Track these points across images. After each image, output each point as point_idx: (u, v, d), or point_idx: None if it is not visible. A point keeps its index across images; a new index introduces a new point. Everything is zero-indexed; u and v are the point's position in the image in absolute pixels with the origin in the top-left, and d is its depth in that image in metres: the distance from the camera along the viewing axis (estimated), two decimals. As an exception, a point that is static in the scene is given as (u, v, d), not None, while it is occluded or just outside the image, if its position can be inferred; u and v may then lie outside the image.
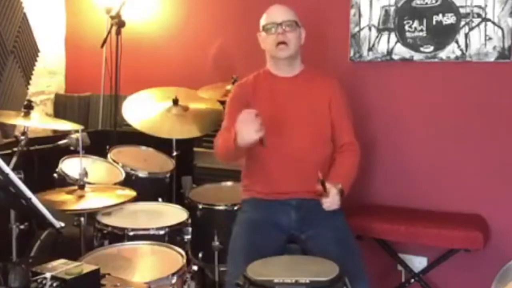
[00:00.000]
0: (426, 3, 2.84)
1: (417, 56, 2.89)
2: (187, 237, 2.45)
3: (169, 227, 2.39)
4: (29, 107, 2.65)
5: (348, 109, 2.50)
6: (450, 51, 2.82)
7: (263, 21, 2.46)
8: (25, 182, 1.76)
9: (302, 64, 2.53)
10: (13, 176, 1.72)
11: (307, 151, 2.39)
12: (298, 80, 2.48)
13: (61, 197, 2.30)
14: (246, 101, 2.42)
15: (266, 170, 2.41)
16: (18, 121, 2.70)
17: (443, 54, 2.84)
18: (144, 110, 3.07)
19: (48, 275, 1.53)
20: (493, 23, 2.72)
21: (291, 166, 2.37)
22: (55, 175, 2.70)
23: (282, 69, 2.48)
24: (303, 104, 2.44)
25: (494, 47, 2.72)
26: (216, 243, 2.66)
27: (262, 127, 2.09)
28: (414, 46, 2.89)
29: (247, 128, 2.09)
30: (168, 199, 2.98)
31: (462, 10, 2.77)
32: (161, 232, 2.36)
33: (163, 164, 3.09)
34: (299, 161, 2.37)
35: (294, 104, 2.44)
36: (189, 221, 2.49)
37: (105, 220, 2.43)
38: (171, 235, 2.37)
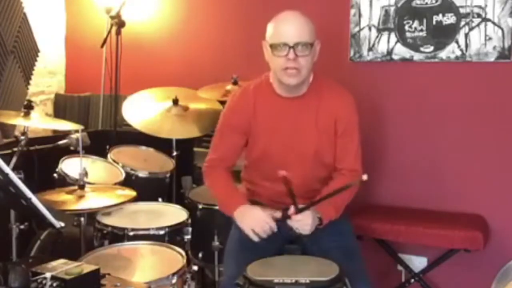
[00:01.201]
0: (426, 3, 2.84)
1: (417, 56, 2.89)
2: (187, 237, 2.44)
3: (169, 227, 2.39)
4: (29, 107, 2.65)
5: (356, 133, 2.22)
6: (450, 51, 2.82)
7: (271, 35, 2.09)
8: (25, 182, 1.76)
9: (311, 76, 2.22)
10: (13, 176, 1.72)
11: (309, 174, 2.23)
12: (304, 101, 2.19)
13: (61, 197, 2.30)
14: (242, 125, 2.24)
15: (266, 186, 2.31)
16: (18, 121, 2.70)
17: (443, 54, 2.84)
18: (144, 110, 3.07)
19: (48, 275, 1.53)
20: (493, 23, 2.72)
21: (291, 185, 2.20)
22: (55, 175, 2.70)
23: (287, 91, 2.18)
24: (309, 128, 2.19)
25: (494, 47, 2.72)
26: (216, 243, 2.66)
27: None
28: (414, 46, 2.89)
29: (256, 225, 2.07)
30: (168, 199, 2.98)
31: (462, 10, 2.77)
32: (161, 232, 2.35)
33: (163, 164, 3.09)
34: (299, 183, 2.13)
35: (299, 128, 2.19)
36: (189, 221, 2.49)
37: (105, 220, 2.43)
38: (171, 235, 2.37)
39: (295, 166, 2.16)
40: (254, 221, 2.09)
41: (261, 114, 2.22)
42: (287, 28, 2.07)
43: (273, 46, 2.08)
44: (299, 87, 2.18)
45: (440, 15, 2.82)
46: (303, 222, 2.05)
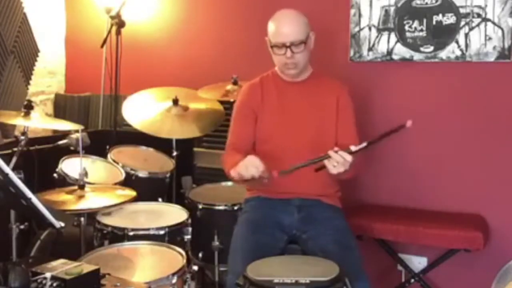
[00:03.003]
0: (426, 3, 2.85)
1: (417, 56, 2.89)
2: (187, 237, 2.44)
3: (169, 227, 2.38)
4: (29, 107, 2.65)
5: (354, 114, 2.44)
6: (450, 51, 2.82)
7: (271, 36, 2.35)
8: (25, 182, 1.76)
9: (310, 67, 2.48)
10: (13, 176, 1.72)
11: (312, 157, 2.28)
12: (306, 85, 2.44)
13: (61, 197, 2.30)
14: (253, 109, 2.42)
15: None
16: (18, 121, 2.70)
17: (443, 54, 2.84)
18: (144, 110, 3.07)
19: (48, 275, 1.53)
20: (493, 23, 2.72)
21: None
22: (55, 175, 2.70)
23: (291, 77, 2.44)
24: (311, 110, 2.40)
25: (494, 47, 2.72)
26: (216, 243, 2.66)
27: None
28: (414, 46, 2.89)
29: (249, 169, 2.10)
30: (168, 199, 2.99)
31: (462, 10, 2.77)
32: (161, 232, 2.35)
33: (163, 164, 3.09)
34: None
35: (302, 110, 2.40)
36: (189, 221, 2.49)
37: (105, 220, 2.43)
38: (171, 235, 2.37)
39: (297, 147, 2.33)
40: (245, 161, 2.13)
41: (267, 97, 2.43)
42: (283, 29, 2.31)
43: (272, 46, 2.35)
44: (300, 75, 2.43)
45: (440, 15, 2.82)
46: (346, 156, 2.04)
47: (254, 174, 2.08)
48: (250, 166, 2.09)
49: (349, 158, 2.02)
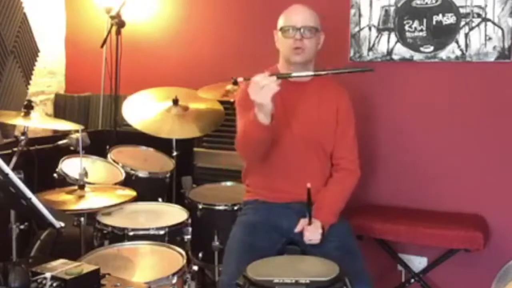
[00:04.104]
0: (426, 3, 2.85)
1: (417, 56, 2.89)
2: (187, 237, 2.44)
3: (169, 227, 2.38)
4: (29, 107, 2.65)
5: (353, 124, 2.41)
6: (450, 51, 2.82)
7: (281, 22, 2.35)
8: (25, 182, 1.76)
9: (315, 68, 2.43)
10: (13, 176, 1.72)
11: (311, 161, 2.34)
12: (309, 87, 2.38)
13: (61, 197, 2.30)
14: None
15: (268, 176, 2.37)
16: (18, 121, 2.70)
17: (443, 54, 2.84)
18: (144, 110, 3.07)
19: (48, 275, 1.53)
20: (493, 23, 2.72)
21: (293, 173, 2.33)
22: (55, 175, 2.70)
23: (296, 69, 2.35)
24: (312, 114, 2.36)
25: (494, 47, 2.72)
26: (216, 243, 2.66)
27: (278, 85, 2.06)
28: (414, 46, 2.89)
29: (265, 89, 2.04)
30: (168, 199, 2.99)
31: (462, 10, 2.78)
32: (161, 232, 2.35)
33: (163, 164, 3.09)
34: (301, 170, 2.32)
35: (303, 112, 2.36)
36: (189, 221, 2.49)
37: (105, 220, 2.43)
38: (171, 235, 2.37)
39: (299, 149, 2.32)
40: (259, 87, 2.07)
41: None
42: (295, 14, 2.34)
43: (283, 29, 2.33)
44: (305, 70, 2.35)
45: (440, 15, 2.82)
46: (313, 236, 2.20)
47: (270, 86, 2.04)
48: (262, 85, 2.04)
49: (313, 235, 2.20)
